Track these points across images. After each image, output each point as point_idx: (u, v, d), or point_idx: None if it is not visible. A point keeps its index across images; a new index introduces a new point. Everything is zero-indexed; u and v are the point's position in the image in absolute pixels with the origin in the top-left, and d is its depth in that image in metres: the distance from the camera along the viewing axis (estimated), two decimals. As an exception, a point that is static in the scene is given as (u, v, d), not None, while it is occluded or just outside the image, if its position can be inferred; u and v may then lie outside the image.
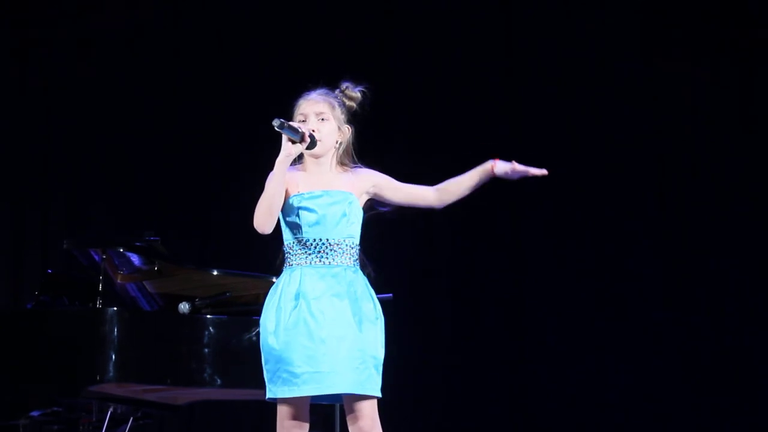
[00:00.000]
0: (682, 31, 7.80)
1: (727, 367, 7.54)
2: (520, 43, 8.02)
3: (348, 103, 4.40)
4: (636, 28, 7.86)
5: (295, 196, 4.27)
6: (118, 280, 6.03)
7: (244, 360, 5.59)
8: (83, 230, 7.85)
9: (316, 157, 4.31)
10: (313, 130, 4.25)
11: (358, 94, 4.43)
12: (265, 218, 4.20)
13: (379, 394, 4.21)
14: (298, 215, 4.26)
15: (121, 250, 5.85)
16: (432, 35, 8.02)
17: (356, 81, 4.44)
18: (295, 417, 4.24)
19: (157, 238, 5.86)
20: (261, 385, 5.62)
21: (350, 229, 4.30)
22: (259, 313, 5.75)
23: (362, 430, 4.21)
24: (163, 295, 6.03)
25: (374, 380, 4.21)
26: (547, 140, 7.85)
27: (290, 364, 4.17)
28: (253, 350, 5.58)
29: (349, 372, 4.16)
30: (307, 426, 4.26)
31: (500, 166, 4.44)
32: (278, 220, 4.27)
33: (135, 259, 5.93)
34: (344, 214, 4.28)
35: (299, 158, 4.28)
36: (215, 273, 5.92)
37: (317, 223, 4.25)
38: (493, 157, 4.46)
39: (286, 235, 4.31)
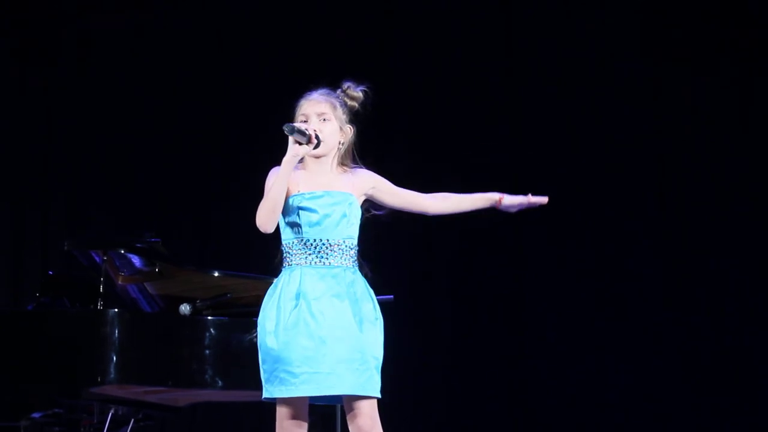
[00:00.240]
0: (682, 31, 7.79)
1: (727, 367, 7.53)
2: (520, 43, 8.01)
3: (350, 103, 4.42)
4: (636, 28, 7.85)
5: (295, 195, 4.28)
6: (119, 282, 6.03)
7: (245, 361, 5.59)
8: (83, 231, 7.85)
9: (318, 157, 4.32)
10: (315, 130, 4.26)
11: (360, 94, 4.44)
12: (268, 217, 4.22)
13: (379, 395, 4.22)
14: (298, 215, 4.27)
15: (122, 251, 5.85)
16: (432, 35, 8.02)
17: (357, 81, 4.45)
18: (294, 417, 4.25)
19: (158, 240, 5.86)
20: (261, 386, 5.65)
21: (350, 230, 4.31)
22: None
23: (362, 430, 4.21)
24: (164, 296, 6.03)
25: (374, 381, 4.22)
26: (547, 140, 7.86)
27: (289, 364, 4.18)
28: (254, 352, 5.52)
29: (348, 373, 4.16)
30: (306, 426, 4.27)
31: (507, 201, 4.54)
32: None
33: (136, 260, 5.93)
34: (344, 215, 4.29)
35: (300, 159, 4.30)
36: (216, 274, 5.92)
37: (318, 223, 4.26)
38: (494, 189, 4.56)
39: (286, 234, 4.32)
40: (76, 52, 8.12)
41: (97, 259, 5.87)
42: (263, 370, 4.26)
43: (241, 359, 5.61)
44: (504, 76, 8.01)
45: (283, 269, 4.32)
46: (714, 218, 7.66)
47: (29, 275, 7.77)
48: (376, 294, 4.35)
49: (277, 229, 4.30)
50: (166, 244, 5.94)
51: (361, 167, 4.41)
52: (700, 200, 7.71)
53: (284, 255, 4.32)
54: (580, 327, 7.68)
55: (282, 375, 4.19)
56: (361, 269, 4.33)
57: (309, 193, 4.28)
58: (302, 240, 4.27)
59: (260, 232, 4.26)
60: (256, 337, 4.31)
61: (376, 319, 4.29)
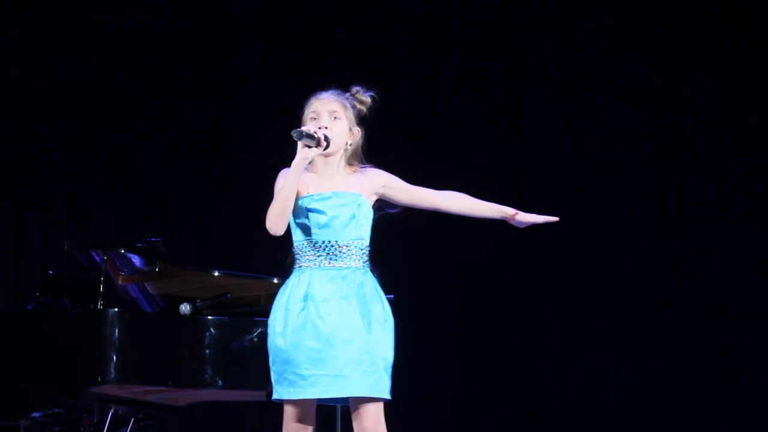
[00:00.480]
0: (682, 31, 7.79)
1: (727, 367, 7.53)
2: (520, 43, 8.02)
3: (358, 106, 4.44)
4: (636, 28, 7.85)
5: (304, 197, 4.28)
6: (119, 281, 6.03)
7: (245, 361, 5.60)
8: (83, 230, 7.84)
9: (326, 157, 4.33)
10: (326, 128, 4.27)
11: (369, 99, 4.46)
12: (278, 220, 4.22)
13: (388, 396, 4.22)
14: (307, 217, 4.27)
15: (123, 251, 5.85)
16: (432, 35, 8.02)
17: (357, 82, 4.47)
18: (301, 419, 4.25)
19: (158, 239, 5.86)
20: (262, 386, 5.64)
21: (360, 231, 4.31)
22: (260, 314, 5.80)
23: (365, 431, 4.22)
24: (164, 296, 6.03)
25: (383, 382, 4.22)
26: (547, 140, 7.86)
27: (297, 366, 4.18)
28: (254, 351, 5.60)
29: (356, 375, 4.17)
30: (312, 428, 4.27)
31: (520, 217, 4.52)
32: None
33: (136, 260, 5.92)
34: (353, 216, 4.29)
35: None
36: (216, 274, 5.92)
37: (326, 224, 4.26)
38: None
39: (296, 236, 4.32)
40: (76, 52, 8.11)
41: (97, 258, 5.87)
42: (273, 371, 4.27)
43: (241, 359, 5.60)
44: (504, 76, 8.02)
45: (293, 271, 4.33)
46: (714, 218, 7.67)
47: (29, 275, 7.76)
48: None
49: (288, 230, 4.30)
50: (166, 244, 5.93)
51: (371, 167, 4.41)
52: (700, 200, 7.71)
53: (295, 257, 4.33)
54: (581, 327, 7.68)
55: (290, 377, 4.20)
56: (372, 270, 4.34)
57: (317, 195, 4.29)
58: (312, 242, 4.27)
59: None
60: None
61: (386, 320, 4.28)
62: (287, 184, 4.22)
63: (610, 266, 7.74)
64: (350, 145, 4.38)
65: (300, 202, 4.27)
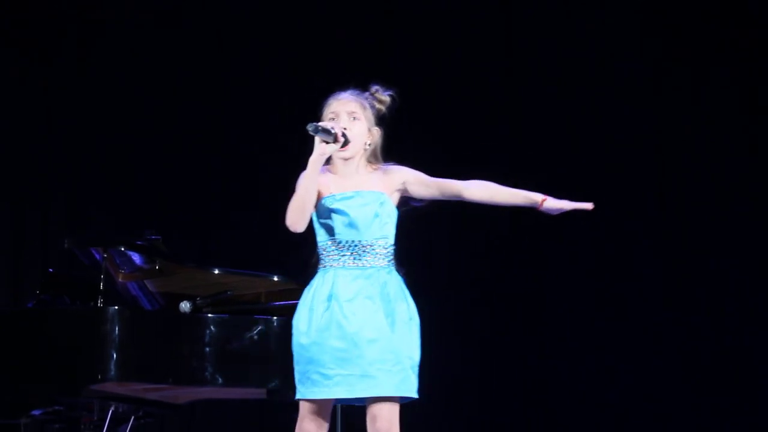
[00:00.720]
0: (682, 32, 7.80)
1: (727, 367, 7.53)
2: (520, 43, 8.02)
3: (378, 106, 4.43)
4: (636, 28, 7.86)
5: (327, 197, 4.28)
6: (119, 279, 6.03)
7: (246, 359, 5.59)
8: (83, 230, 7.84)
9: (346, 158, 4.32)
10: (345, 128, 4.26)
11: (388, 98, 4.46)
12: (297, 217, 4.21)
13: (415, 395, 4.24)
14: (330, 217, 4.27)
15: (123, 248, 5.85)
16: (432, 35, 8.02)
17: (384, 85, 4.48)
18: (317, 418, 4.25)
19: (159, 237, 5.86)
20: (262, 383, 5.66)
21: (384, 230, 4.30)
22: (260, 311, 5.81)
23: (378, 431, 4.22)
24: (164, 293, 6.03)
25: (409, 381, 4.22)
26: (547, 140, 7.86)
27: (322, 365, 4.19)
28: (254, 349, 5.60)
29: (382, 375, 4.17)
30: (326, 427, 4.27)
31: (549, 204, 4.39)
32: (312, 221, 4.27)
33: (136, 257, 5.92)
34: (376, 215, 4.28)
35: (327, 160, 4.29)
36: (216, 272, 5.91)
37: (350, 224, 4.26)
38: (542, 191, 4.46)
39: (320, 236, 4.32)
40: (76, 52, 8.11)
41: (98, 256, 5.86)
42: (296, 371, 4.27)
43: (241, 357, 5.60)
44: (504, 76, 8.02)
45: (318, 271, 4.33)
46: (714, 218, 7.66)
47: (29, 275, 7.75)
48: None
49: (313, 231, 4.30)
50: (167, 244, 5.94)
51: (393, 164, 4.40)
52: (700, 200, 7.71)
53: (319, 256, 4.33)
54: (580, 327, 7.68)
55: (314, 376, 4.20)
56: (398, 269, 4.32)
57: (340, 194, 4.29)
58: (336, 241, 4.28)
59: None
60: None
61: (410, 319, 4.28)
62: (304, 180, 4.20)
63: (610, 266, 7.74)
64: (369, 145, 4.37)
65: (323, 202, 4.27)
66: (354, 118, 4.33)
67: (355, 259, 4.26)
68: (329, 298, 4.23)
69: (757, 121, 7.70)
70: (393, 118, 4.48)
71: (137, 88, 8.02)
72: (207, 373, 5.58)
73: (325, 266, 4.30)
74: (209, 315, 5.69)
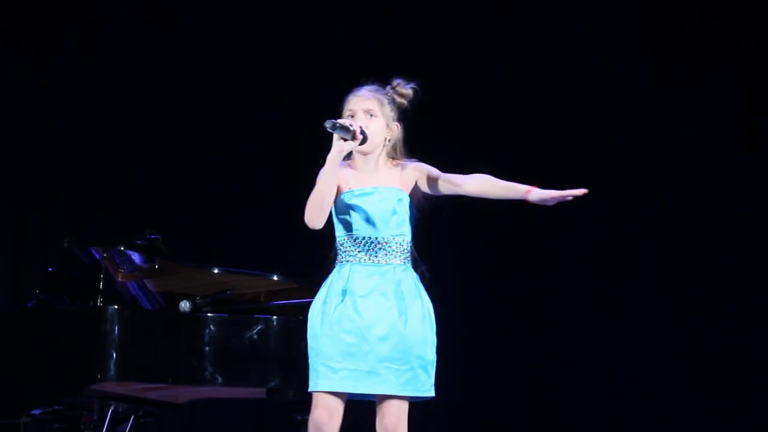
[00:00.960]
0: (682, 31, 7.79)
1: (727, 367, 7.53)
2: (520, 43, 8.02)
3: (398, 100, 4.39)
4: (636, 28, 7.85)
5: (345, 193, 4.28)
6: (119, 279, 6.03)
7: (246, 358, 5.60)
8: (83, 230, 7.84)
9: (364, 154, 4.31)
10: (361, 126, 4.23)
11: (410, 91, 4.42)
12: (316, 213, 4.21)
13: (420, 394, 4.23)
14: (348, 213, 4.28)
15: (122, 248, 5.85)
16: (432, 35, 8.02)
17: (407, 78, 4.43)
18: (328, 408, 4.21)
19: (158, 236, 5.87)
20: (262, 383, 5.65)
21: (401, 227, 4.30)
22: (260, 311, 5.81)
23: (386, 428, 4.22)
24: (164, 293, 6.03)
25: (418, 380, 4.22)
26: (547, 140, 7.86)
27: (330, 358, 4.19)
28: (254, 348, 5.60)
29: (389, 373, 4.18)
30: (339, 418, 4.23)
31: (535, 194, 4.26)
32: (330, 216, 4.27)
33: (136, 257, 5.92)
34: (394, 212, 4.28)
35: (348, 155, 4.27)
36: (216, 271, 5.91)
37: (367, 220, 4.26)
38: (530, 182, 4.38)
39: (338, 231, 4.33)
40: (76, 52, 8.11)
41: (97, 256, 5.87)
42: (310, 364, 4.27)
43: (241, 356, 5.60)
44: (504, 76, 8.02)
45: (335, 266, 4.33)
46: (714, 218, 7.66)
47: (29, 275, 7.75)
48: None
49: (331, 226, 4.30)
50: (167, 244, 5.94)
51: (412, 160, 4.38)
52: (700, 200, 7.71)
53: (337, 252, 4.33)
54: (580, 327, 7.68)
55: (321, 368, 4.20)
56: (416, 267, 4.32)
57: (359, 190, 4.29)
58: (353, 237, 4.28)
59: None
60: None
61: (424, 317, 4.27)
62: (323, 177, 4.19)
63: (610, 266, 7.73)
64: (389, 141, 4.35)
65: (342, 198, 4.27)
66: (371, 115, 4.31)
67: (371, 255, 4.26)
68: (344, 292, 4.23)
69: (757, 121, 7.70)
70: (416, 111, 4.43)
71: (137, 88, 8.02)
72: (207, 373, 5.58)
73: (342, 261, 4.30)
74: (209, 314, 5.69)
